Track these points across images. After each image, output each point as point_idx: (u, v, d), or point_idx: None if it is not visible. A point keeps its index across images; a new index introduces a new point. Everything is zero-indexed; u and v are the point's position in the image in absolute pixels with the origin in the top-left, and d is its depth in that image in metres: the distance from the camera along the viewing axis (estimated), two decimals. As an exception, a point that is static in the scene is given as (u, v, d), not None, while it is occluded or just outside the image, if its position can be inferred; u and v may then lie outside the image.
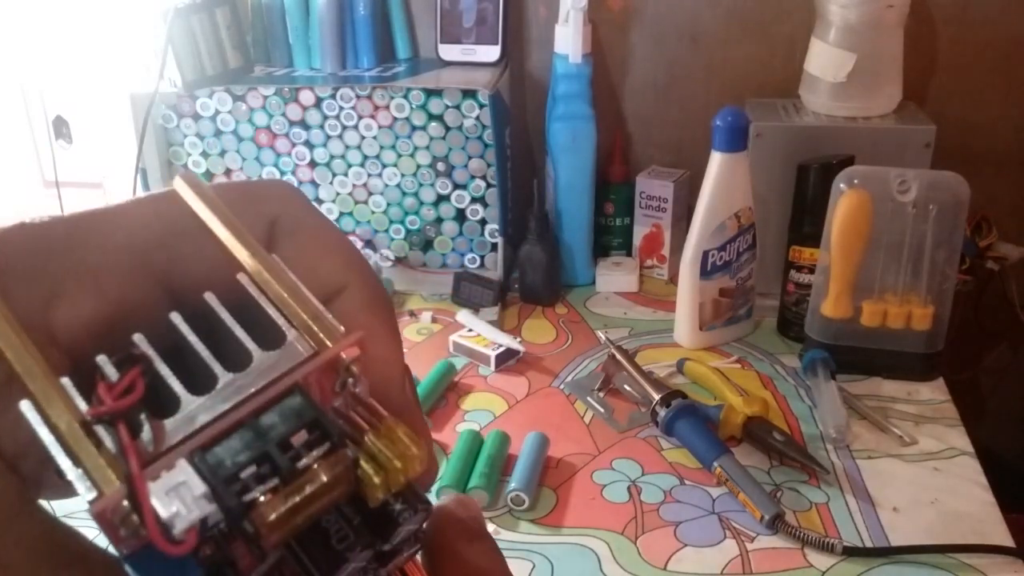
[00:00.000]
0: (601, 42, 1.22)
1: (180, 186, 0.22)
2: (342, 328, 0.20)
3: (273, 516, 0.18)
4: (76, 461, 0.17)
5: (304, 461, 0.19)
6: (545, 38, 1.20)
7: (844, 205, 0.94)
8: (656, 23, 1.21)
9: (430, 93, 1.12)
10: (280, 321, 0.20)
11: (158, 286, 0.21)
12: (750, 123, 1.00)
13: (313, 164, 1.18)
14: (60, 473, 0.19)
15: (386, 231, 1.21)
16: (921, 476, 0.84)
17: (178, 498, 0.17)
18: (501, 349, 1.02)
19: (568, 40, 1.11)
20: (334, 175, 1.18)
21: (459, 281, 1.15)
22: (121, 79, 1.15)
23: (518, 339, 1.04)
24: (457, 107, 1.12)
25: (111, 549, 0.18)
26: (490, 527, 0.79)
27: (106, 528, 0.17)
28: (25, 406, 0.18)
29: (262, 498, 0.18)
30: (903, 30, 1.08)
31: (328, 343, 0.20)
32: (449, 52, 1.20)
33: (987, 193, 1.14)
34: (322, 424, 0.19)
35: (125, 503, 0.17)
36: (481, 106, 1.11)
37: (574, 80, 1.13)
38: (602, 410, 0.94)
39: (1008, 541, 0.76)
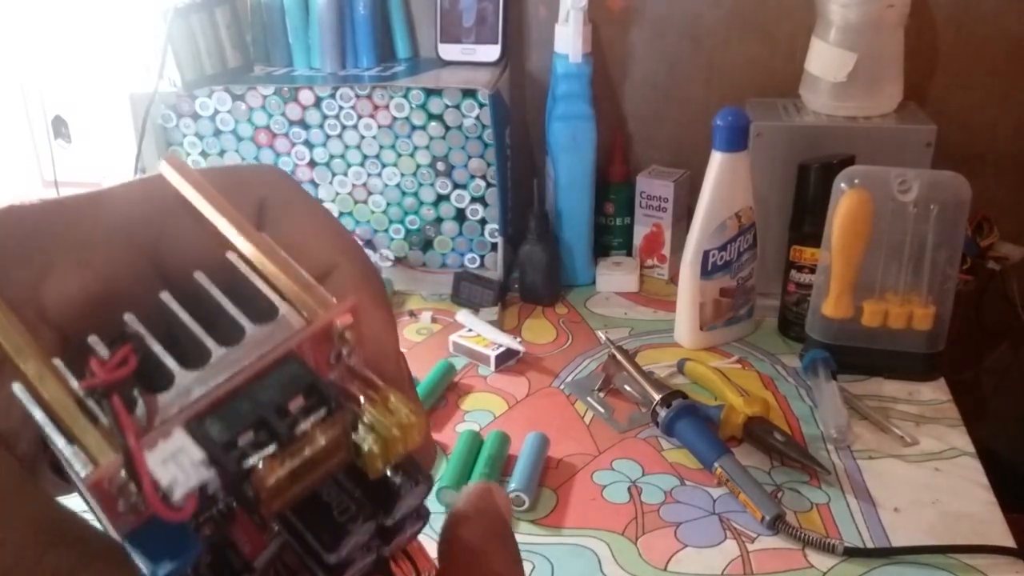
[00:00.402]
0: (601, 42, 1.22)
1: (166, 169, 0.22)
2: (334, 299, 0.20)
3: (272, 480, 0.18)
4: (71, 438, 0.17)
5: (302, 426, 0.18)
6: (545, 38, 1.20)
7: (845, 205, 0.94)
8: (656, 23, 1.21)
9: (430, 93, 1.11)
10: (271, 296, 0.20)
11: (148, 265, 0.21)
12: (750, 123, 1.00)
13: (313, 164, 1.17)
14: (56, 464, 0.18)
15: (386, 231, 1.21)
16: (922, 476, 0.84)
17: (176, 465, 0.17)
18: (501, 349, 1.02)
19: (568, 40, 1.11)
20: (334, 175, 1.18)
21: (459, 281, 1.15)
22: (121, 79, 1.15)
23: (518, 339, 1.04)
24: (457, 107, 1.12)
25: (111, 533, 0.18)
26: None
27: (103, 501, 0.17)
28: (17, 388, 0.18)
29: (260, 464, 0.18)
30: (903, 30, 1.08)
31: (321, 313, 0.20)
32: (449, 52, 1.20)
33: (988, 193, 1.14)
34: (318, 389, 0.19)
35: (122, 473, 0.17)
36: (481, 106, 1.10)
37: (574, 80, 1.13)
38: (602, 410, 0.94)
39: (1009, 541, 0.76)
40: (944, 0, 1.15)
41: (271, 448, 0.18)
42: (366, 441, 0.19)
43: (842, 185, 0.94)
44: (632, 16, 1.21)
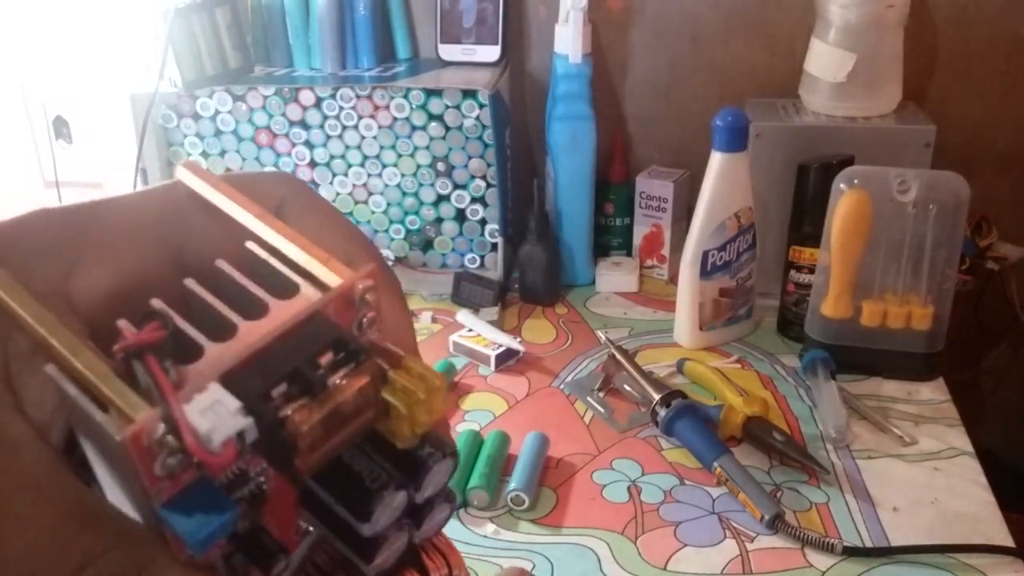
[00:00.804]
0: (601, 42, 1.22)
1: (183, 173, 0.23)
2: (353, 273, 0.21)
3: (306, 428, 0.18)
4: (104, 405, 0.17)
5: (332, 378, 0.19)
6: (545, 38, 1.20)
7: (844, 205, 0.94)
8: (656, 23, 1.21)
9: (430, 93, 1.12)
10: (291, 275, 0.21)
11: (171, 261, 0.22)
12: (750, 123, 1.00)
13: (313, 164, 1.18)
14: (79, 474, 0.19)
15: (386, 231, 1.21)
16: (921, 476, 0.84)
17: (213, 414, 0.17)
18: (501, 349, 1.02)
19: (568, 40, 1.11)
20: (334, 175, 1.18)
21: (459, 281, 1.15)
22: (121, 79, 1.15)
23: (518, 339, 1.04)
24: (457, 107, 1.12)
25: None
26: (490, 527, 0.79)
27: (141, 460, 0.17)
28: (50, 368, 0.18)
29: (295, 413, 0.18)
30: (903, 30, 1.08)
31: (342, 280, 0.20)
32: (449, 52, 1.20)
33: (987, 193, 1.14)
34: (346, 343, 0.19)
35: (161, 426, 0.17)
36: (481, 106, 1.11)
37: (574, 80, 1.13)
38: (602, 410, 0.94)
39: (1008, 541, 0.76)
40: (944, 0, 1.15)
41: (304, 400, 0.19)
42: (394, 402, 0.20)
43: (841, 185, 0.94)
44: (632, 16, 1.22)
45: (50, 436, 0.19)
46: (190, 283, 0.20)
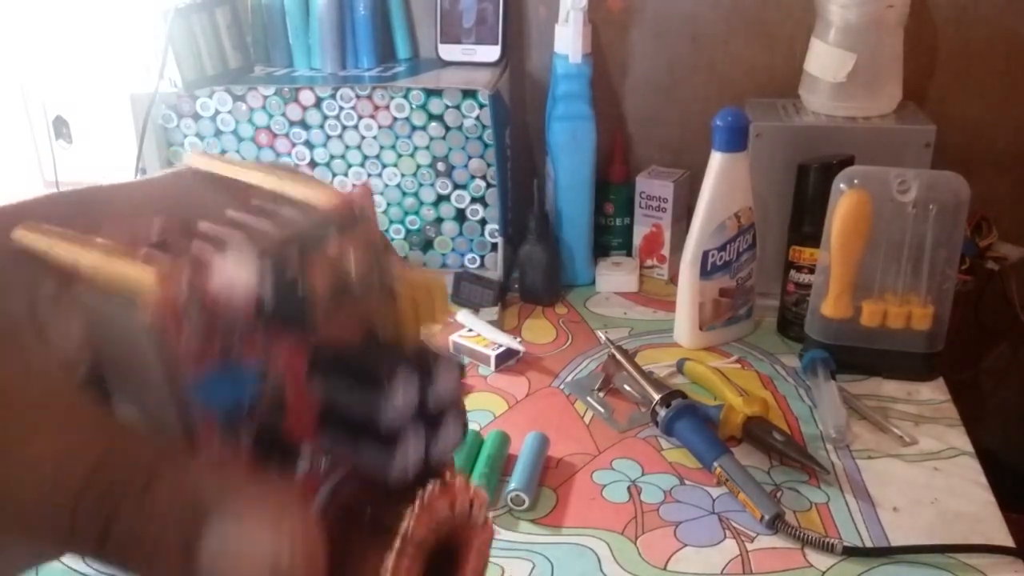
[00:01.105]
0: (601, 42, 1.22)
1: (193, 159, 0.24)
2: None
3: (321, 288, 0.20)
4: (135, 290, 0.19)
5: (339, 246, 0.21)
6: (545, 38, 1.20)
7: (844, 205, 0.94)
8: (656, 23, 1.21)
9: (430, 93, 1.12)
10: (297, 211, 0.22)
11: (182, 233, 0.23)
12: (750, 123, 1.00)
13: (313, 164, 1.18)
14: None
15: (386, 231, 1.21)
16: (921, 476, 0.84)
17: (234, 271, 0.19)
18: (501, 349, 1.02)
19: (568, 40, 1.11)
20: (334, 175, 1.18)
21: (459, 281, 1.15)
22: (121, 79, 1.15)
23: (518, 339, 1.04)
24: (457, 107, 1.12)
25: None
26: (490, 527, 0.79)
27: (170, 329, 0.18)
28: (79, 290, 0.19)
29: (312, 272, 0.20)
30: (903, 30, 1.08)
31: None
32: (449, 52, 1.20)
33: (987, 193, 1.14)
34: (348, 221, 0.21)
35: (184, 290, 0.18)
36: (481, 106, 1.11)
37: (574, 80, 1.13)
38: (602, 410, 0.94)
39: (1008, 541, 0.76)
40: (944, 0, 1.15)
41: (318, 261, 0.20)
42: (400, 292, 0.21)
43: (841, 185, 0.94)
44: (632, 16, 1.22)
45: (78, 372, 0.20)
46: (204, 225, 0.22)
